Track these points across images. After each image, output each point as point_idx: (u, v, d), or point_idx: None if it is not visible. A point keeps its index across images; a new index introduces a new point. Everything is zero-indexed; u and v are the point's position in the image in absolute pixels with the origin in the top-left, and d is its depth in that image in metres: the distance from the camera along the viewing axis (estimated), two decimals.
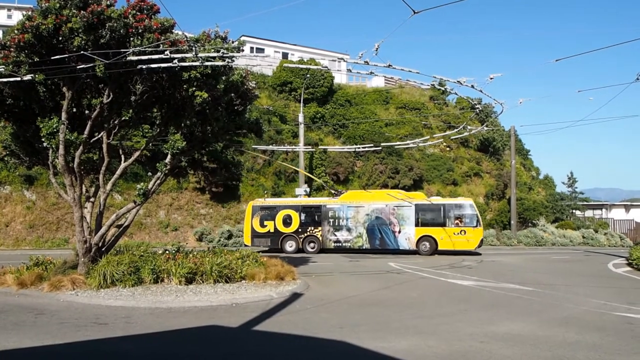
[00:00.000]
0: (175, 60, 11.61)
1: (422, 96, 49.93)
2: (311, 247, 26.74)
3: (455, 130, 31.95)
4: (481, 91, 14.93)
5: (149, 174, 15.52)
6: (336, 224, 26.80)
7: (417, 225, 25.48)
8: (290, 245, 27.08)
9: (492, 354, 7.25)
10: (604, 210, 50.88)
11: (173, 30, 12.65)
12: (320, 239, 26.79)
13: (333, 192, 29.22)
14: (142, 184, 13.85)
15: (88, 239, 13.39)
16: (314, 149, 35.79)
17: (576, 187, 52.92)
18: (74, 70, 11.75)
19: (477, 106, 29.87)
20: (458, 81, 13.96)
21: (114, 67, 11.62)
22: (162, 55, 11.52)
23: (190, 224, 32.80)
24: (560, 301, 11.90)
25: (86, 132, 12.79)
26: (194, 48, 11.76)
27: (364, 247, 26.22)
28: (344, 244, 26.49)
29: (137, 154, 14.40)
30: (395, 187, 38.00)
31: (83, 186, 14.05)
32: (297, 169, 33.97)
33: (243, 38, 43.81)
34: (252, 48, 46.27)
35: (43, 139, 12.29)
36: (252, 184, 36.11)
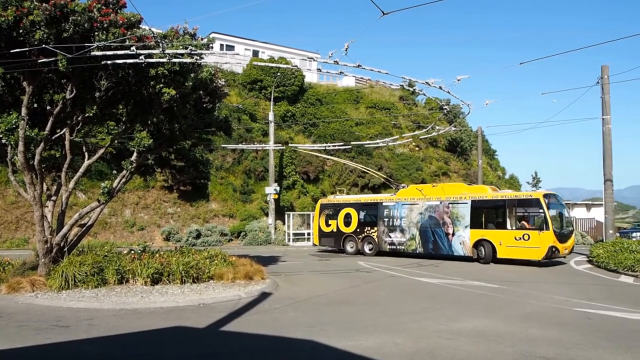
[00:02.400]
0: (142, 57, 11.37)
1: (392, 96, 50.31)
2: (369, 249, 24.47)
3: (424, 130, 32.29)
4: (449, 92, 15.10)
5: (114, 172, 15.22)
6: (390, 224, 23.95)
7: (472, 226, 21.13)
8: (351, 246, 25.19)
9: (457, 350, 7.33)
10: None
11: (140, 26, 12.37)
12: (376, 240, 24.29)
13: (394, 186, 26.48)
14: (106, 182, 13.56)
15: (49, 238, 13.01)
16: (284, 148, 35.68)
17: (540, 187, 54.19)
18: (35, 65, 11.39)
19: (445, 107, 30.20)
20: (426, 82, 14.06)
21: (77, 62, 11.31)
22: (128, 51, 11.26)
23: (157, 223, 32.27)
24: (523, 298, 12.13)
25: (48, 128, 12.43)
26: (161, 44, 11.54)
27: (417, 251, 22.87)
28: (398, 247, 23.56)
29: (101, 151, 14.07)
30: (365, 186, 38.20)
31: (44, 184, 13.64)
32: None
33: (213, 35, 43.35)
34: (222, 45, 45.78)
35: (1, 135, 11.87)
36: (221, 182, 35.76)
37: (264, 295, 12.16)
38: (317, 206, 27.38)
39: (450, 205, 21.93)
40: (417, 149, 45.05)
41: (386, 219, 24.23)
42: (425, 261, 21.44)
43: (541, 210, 19.32)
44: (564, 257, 20.45)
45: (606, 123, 24.37)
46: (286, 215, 33.98)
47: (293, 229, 33.91)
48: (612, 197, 25.01)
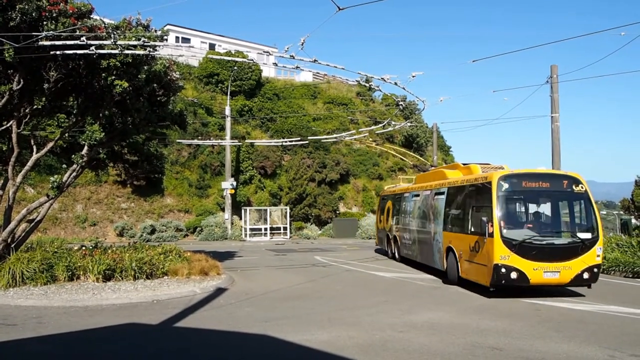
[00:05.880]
0: (93, 47, 11.07)
1: (350, 92, 50.61)
2: (391, 252, 20.58)
3: (380, 125, 32.68)
4: (404, 88, 15.37)
5: (64, 166, 14.76)
6: (404, 220, 19.05)
7: (444, 226, 14.43)
8: (383, 248, 22.01)
9: (410, 342, 7.52)
10: None
11: (91, 16, 12.06)
12: (392, 242, 20.44)
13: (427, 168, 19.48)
14: (56, 176, 13.17)
15: None
16: (240, 143, 35.39)
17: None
18: None
19: (401, 103, 30.63)
20: (382, 78, 14.23)
21: (25, 51, 10.92)
22: (78, 42, 10.94)
23: (110, 219, 31.49)
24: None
25: None
26: (113, 35, 11.26)
27: (418, 261, 17.13)
28: (408, 253, 18.30)
29: (50, 144, 13.66)
30: (322, 181, 38.37)
31: None
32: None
33: (168, 27, 42.47)
34: (177, 38, 44.92)
35: None
36: (176, 177, 35.17)
37: (219, 291, 12.11)
38: (377, 199, 24.23)
39: (436, 195, 15.52)
40: (373, 144, 45.57)
41: (402, 213, 19.46)
42: (380, 256, 21.72)
43: (490, 204, 11.52)
44: (557, 286, 11.98)
45: (555, 121, 25.25)
46: (243, 211, 33.78)
47: (250, 224, 33.74)
48: None
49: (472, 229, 12.35)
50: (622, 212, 29.43)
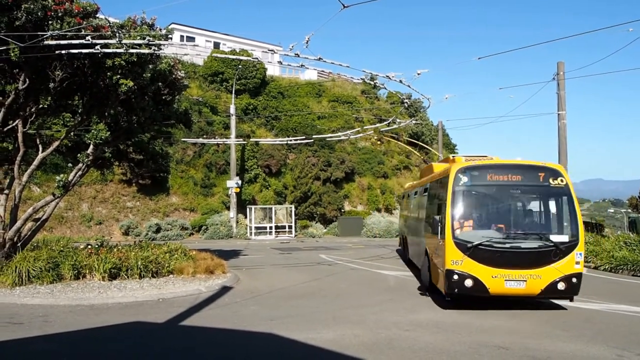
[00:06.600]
0: (98, 47, 11.09)
1: (354, 90, 50.53)
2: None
3: (385, 123, 32.60)
4: (409, 86, 15.28)
5: (70, 165, 14.80)
6: (407, 219, 17.85)
7: (425, 227, 12.74)
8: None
9: (415, 341, 7.50)
10: None
11: (97, 15, 12.08)
12: (403, 249, 18.85)
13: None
14: (62, 175, 13.24)
15: (1, 233, 12.63)
16: (245, 142, 35.41)
17: None
18: None
19: (406, 101, 30.55)
20: (387, 76, 14.19)
21: (30, 51, 10.95)
22: (83, 41, 10.96)
23: (116, 218, 31.59)
24: None
25: None
26: (118, 34, 11.28)
27: (414, 262, 15.57)
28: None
29: (56, 143, 13.71)
30: (327, 180, 38.33)
31: None
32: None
33: (173, 26, 42.45)
34: (182, 36, 44.95)
35: None
36: (181, 176, 35.24)
37: (224, 289, 12.12)
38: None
39: (423, 192, 14.09)
40: (378, 142, 45.48)
41: (404, 214, 18.29)
42: (387, 254, 21.71)
43: (446, 200, 10.09)
44: (526, 298, 10.16)
45: (561, 118, 25.13)
46: (248, 209, 33.82)
47: (255, 222, 33.78)
48: None
49: (433, 230, 10.60)
50: (630, 210, 29.28)
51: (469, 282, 9.45)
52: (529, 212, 10.50)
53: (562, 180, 9.82)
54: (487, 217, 10.26)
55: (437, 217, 10.14)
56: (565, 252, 9.46)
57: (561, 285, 9.41)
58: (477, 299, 9.97)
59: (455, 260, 9.50)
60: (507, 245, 9.52)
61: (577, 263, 9.50)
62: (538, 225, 10.30)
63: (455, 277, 9.50)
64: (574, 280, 9.46)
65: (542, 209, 10.30)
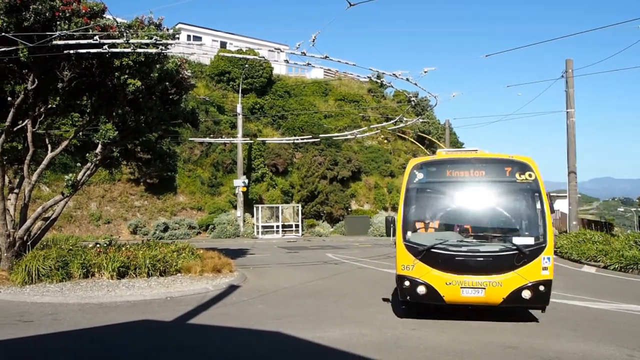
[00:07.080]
0: (106, 47, 11.15)
1: (361, 89, 50.49)
2: None
3: (392, 121, 32.55)
4: (416, 84, 15.27)
5: (79, 164, 14.90)
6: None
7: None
8: None
9: (422, 340, 7.50)
10: None
11: (104, 15, 12.14)
12: None
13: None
14: (71, 174, 13.33)
15: (12, 232, 12.72)
16: (252, 141, 35.48)
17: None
18: None
19: (413, 99, 30.54)
20: (394, 74, 14.19)
21: (39, 51, 11.03)
22: (91, 41, 11.02)
23: (124, 217, 31.76)
24: None
25: (9, 120, 12.12)
26: (125, 34, 11.33)
27: None
28: None
29: (65, 143, 13.80)
30: (333, 179, 38.32)
31: (6, 177, 13.33)
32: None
33: (179, 26, 42.58)
34: (189, 36, 45.09)
35: None
36: (189, 175, 35.37)
37: (231, 288, 12.16)
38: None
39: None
40: (385, 141, 45.41)
41: None
42: (394, 253, 21.61)
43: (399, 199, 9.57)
44: (489, 307, 8.80)
45: (570, 116, 25.01)
46: (255, 208, 33.89)
47: (262, 221, 33.86)
48: (576, 189, 25.62)
49: (386, 231, 9.95)
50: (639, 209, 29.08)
51: (421, 289, 8.52)
52: (492, 211, 9.12)
53: (530, 175, 8.71)
54: (445, 217, 9.36)
55: (389, 218, 9.49)
56: (531, 257, 8.33)
57: (526, 294, 8.26)
58: (437, 308, 8.99)
59: (406, 265, 8.68)
60: (463, 249, 8.53)
61: (545, 269, 8.36)
62: (501, 226, 9.06)
63: (407, 283, 8.63)
64: (542, 288, 8.30)
65: (507, 208, 9.04)
